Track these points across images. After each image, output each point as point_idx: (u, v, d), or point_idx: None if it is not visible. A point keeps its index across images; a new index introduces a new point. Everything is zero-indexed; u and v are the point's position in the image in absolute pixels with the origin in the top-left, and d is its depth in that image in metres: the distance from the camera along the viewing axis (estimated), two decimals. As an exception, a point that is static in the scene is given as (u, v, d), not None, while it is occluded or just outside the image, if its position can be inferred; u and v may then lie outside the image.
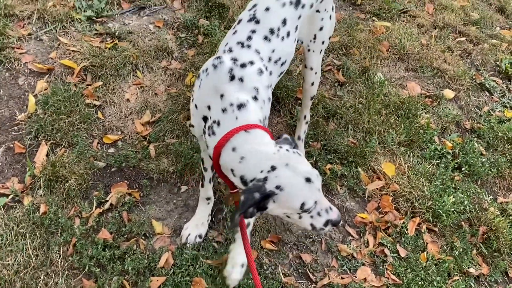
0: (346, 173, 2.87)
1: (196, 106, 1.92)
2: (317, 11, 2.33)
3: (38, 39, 3.15)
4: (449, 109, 3.46)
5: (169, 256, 2.33)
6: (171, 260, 2.32)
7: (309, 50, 2.53)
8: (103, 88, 2.96)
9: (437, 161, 3.07)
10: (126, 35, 3.27)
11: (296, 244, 2.59)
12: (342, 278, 2.49)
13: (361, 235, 2.70)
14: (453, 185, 2.95)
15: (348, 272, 2.53)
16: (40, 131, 2.64)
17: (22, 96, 2.84)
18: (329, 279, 2.47)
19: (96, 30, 3.26)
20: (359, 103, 3.26)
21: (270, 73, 2.01)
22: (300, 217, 1.77)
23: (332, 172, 2.86)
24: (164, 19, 3.50)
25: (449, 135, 3.30)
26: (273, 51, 2.01)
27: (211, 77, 1.85)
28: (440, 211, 2.79)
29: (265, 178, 1.65)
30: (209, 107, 1.83)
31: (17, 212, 2.33)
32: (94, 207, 2.44)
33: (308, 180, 1.69)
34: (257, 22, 2.02)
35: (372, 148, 2.98)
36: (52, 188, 2.44)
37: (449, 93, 3.57)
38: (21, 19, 3.21)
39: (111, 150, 2.72)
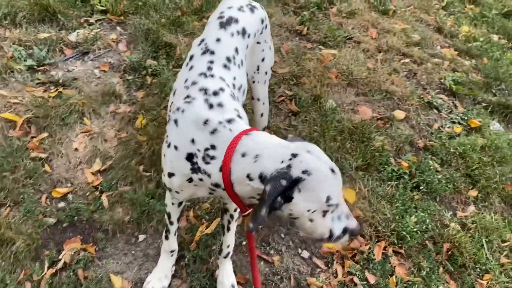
0: (308, 204, 2.84)
1: (176, 148, 1.76)
2: (258, 42, 2.37)
3: (-25, 94, 3.00)
4: (401, 129, 3.54)
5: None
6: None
7: (254, 82, 2.54)
8: (49, 139, 2.83)
9: (396, 182, 3.10)
10: (71, 82, 3.17)
11: (264, 283, 2.51)
12: (314, 314, 2.42)
13: (329, 265, 2.65)
14: (414, 205, 2.98)
15: (320, 306, 2.47)
16: (-19, 192, 2.47)
17: (-40, 155, 2.66)
18: (301, 317, 2.39)
19: (38, 79, 3.14)
20: (314, 132, 3.27)
21: (238, 100, 1.96)
22: (323, 216, 1.59)
23: (294, 204, 2.82)
24: (110, 62, 3.43)
25: (404, 155, 3.35)
26: (234, 78, 1.98)
27: (188, 113, 1.75)
28: (403, 232, 2.79)
29: (289, 166, 1.52)
30: (193, 141, 1.71)
31: (-41, 284, 2.13)
32: (46, 268, 2.28)
33: (332, 171, 1.58)
34: (212, 53, 2.00)
35: (331, 176, 2.98)
36: (-3, 253, 2.27)
37: (399, 114, 3.65)
38: (-45, 74, 3.05)
39: (61, 204, 2.57)
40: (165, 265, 2.33)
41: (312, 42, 4.21)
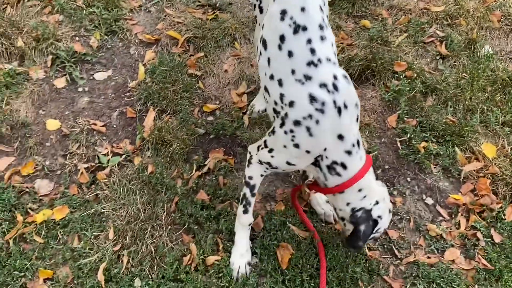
0: (441, 152, 2.78)
1: (308, 152, 1.90)
2: None
3: (147, 11, 3.39)
4: None
5: (259, 220, 2.48)
6: (261, 224, 2.47)
7: None
8: (204, 59, 3.13)
9: (546, 145, 2.84)
10: (226, 6, 3.39)
11: (383, 220, 2.60)
12: (428, 257, 2.47)
13: (453, 216, 2.63)
14: None
15: (436, 252, 2.50)
16: (149, 98, 2.89)
17: (133, 64, 3.11)
18: (415, 257, 2.46)
19: (199, 1, 3.42)
20: (461, 79, 3.08)
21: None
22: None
23: (427, 151, 2.78)
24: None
25: None
26: (332, 44, 1.88)
27: (323, 124, 1.80)
28: (544, 197, 2.61)
29: (370, 210, 2.01)
30: (325, 149, 1.89)
31: (129, 171, 2.62)
32: (194, 170, 2.66)
33: (390, 211, 2.12)
34: (305, 29, 1.80)
35: (473, 128, 2.83)
36: (158, 151, 2.70)
37: None
38: (133, -9, 3.47)
39: (210, 118, 2.90)
40: (243, 240, 2.33)
41: (478, -23, 3.80)
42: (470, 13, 3.46)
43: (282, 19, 1.82)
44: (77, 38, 3.18)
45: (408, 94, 2.97)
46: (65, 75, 3.02)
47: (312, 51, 1.79)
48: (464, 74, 3.10)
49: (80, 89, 2.98)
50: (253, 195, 2.21)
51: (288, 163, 1.99)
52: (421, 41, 3.31)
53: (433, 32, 3.38)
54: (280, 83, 1.86)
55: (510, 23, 3.46)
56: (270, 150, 2.02)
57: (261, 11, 2.17)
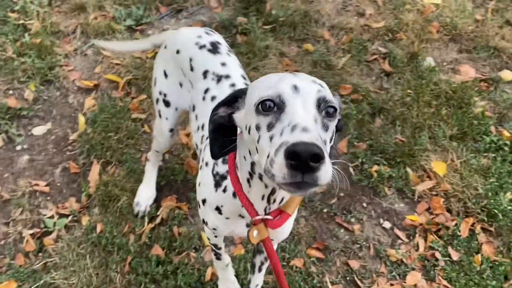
0: (394, 175, 2.80)
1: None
2: None
3: (83, 54, 3.27)
4: (508, 93, 3.23)
5: (215, 270, 2.42)
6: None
7: None
8: (148, 100, 3.04)
9: (493, 154, 2.90)
10: (166, 42, 3.30)
11: (343, 251, 2.59)
12: (391, 284, 2.47)
13: (411, 238, 2.65)
14: (511, 181, 2.79)
15: (398, 278, 2.51)
16: (91, 150, 2.78)
17: (73, 114, 2.98)
18: (378, 286, 2.46)
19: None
20: (407, 96, 3.11)
21: None
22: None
23: (379, 174, 2.79)
24: (202, 20, 3.49)
25: (508, 123, 3.08)
26: None
27: None
28: (495, 210, 2.65)
29: None
30: None
31: (77, 232, 2.50)
32: (146, 223, 2.57)
33: None
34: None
35: (422, 146, 2.86)
36: (106, 207, 2.59)
37: (507, 75, 3.31)
38: (66, 35, 3.33)
39: (159, 164, 2.81)
40: (228, 277, 2.28)
41: (413, -11, 3.86)
42: (409, 26, 3.51)
43: None
44: (10, 92, 3.02)
45: (356, 117, 2.97)
46: (0, 133, 2.86)
47: None
48: (409, 90, 3.14)
49: (18, 147, 2.83)
50: (216, 248, 2.03)
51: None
52: (365, 60, 3.33)
53: (375, 49, 3.41)
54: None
55: (448, 33, 3.53)
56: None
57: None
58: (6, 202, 2.62)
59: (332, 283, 2.47)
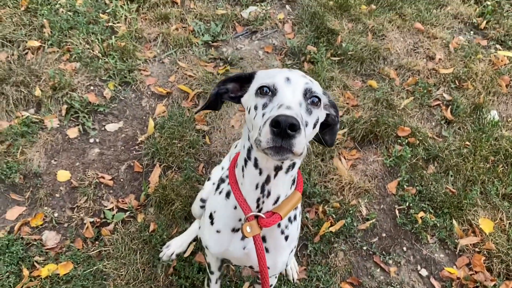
0: (438, 224, 2.82)
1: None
2: None
3: (160, 62, 3.51)
4: None
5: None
6: (256, 290, 2.54)
7: None
8: (212, 114, 3.23)
9: (546, 221, 2.85)
10: (237, 61, 3.48)
11: (377, 290, 2.65)
12: (419, 333, 2.51)
13: (446, 290, 2.66)
14: (561, 252, 2.73)
15: (427, 328, 2.54)
16: (156, 153, 3.00)
17: (144, 117, 3.23)
18: (405, 332, 2.50)
19: (211, 54, 3.52)
20: (464, 147, 3.11)
21: None
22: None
23: (424, 221, 2.82)
24: (274, 44, 3.64)
25: None
26: None
27: None
28: (539, 278, 2.62)
29: None
30: None
31: (132, 228, 2.72)
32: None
33: None
34: None
35: (472, 200, 2.86)
36: (161, 209, 2.79)
37: None
38: (148, 41, 3.59)
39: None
40: None
41: (488, 39, 3.82)
42: (478, 76, 3.48)
43: None
44: (91, 88, 3.32)
45: (409, 161, 3.01)
46: (78, 125, 3.15)
47: None
48: (467, 142, 3.13)
49: (91, 140, 3.11)
50: (211, 272, 2.15)
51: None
52: (427, 104, 3.35)
53: (439, 95, 3.42)
54: None
55: (518, 89, 3.48)
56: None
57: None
58: (74, 189, 2.89)
59: (362, 322, 2.53)
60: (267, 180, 1.43)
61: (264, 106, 1.32)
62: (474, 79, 3.48)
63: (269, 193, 1.46)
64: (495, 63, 3.60)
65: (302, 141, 1.18)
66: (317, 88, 1.37)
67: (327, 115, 1.49)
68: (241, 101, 1.51)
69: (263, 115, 1.30)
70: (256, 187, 1.45)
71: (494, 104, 3.38)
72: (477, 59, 3.59)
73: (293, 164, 1.43)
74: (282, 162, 1.39)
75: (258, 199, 1.47)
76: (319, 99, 1.35)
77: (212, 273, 2.16)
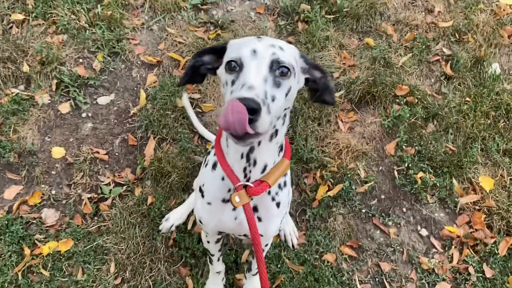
0: (438, 184, 2.79)
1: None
2: None
3: (149, 29, 3.40)
4: None
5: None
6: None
7: None
8: (205, 81, 3.15)
9: (548, 175, 2.81)
10: (228, 24, 3.36)
11: (377, 252, 2.66)
12: (419, 291, 2.54)
13: (446, 249, 2.67)
14: (562, 206, 2.71)
15: (427, 286, 2.56)
16: (149, 125, 2.95)
17: (135, 88, 3.16)
18: (405, 291, 2.53)
19: (201, 18, 3.40)
20: (464, 104, 3.03)
21: None
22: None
23: (424, 182, 2.79)
24: (266, 4, 3.50)
25: None
26: None
27: None
28: (540, 233, 2.62)
29: None
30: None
31: (130, 202, 2.72)
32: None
33: None
34: None
35: (472, 158, 2.82)
36: (158, 182, 2.78)
37: None
38: (135, 8, 3.46)
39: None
40: (216, 283, 2.38)
41: (490, -13, 3.65)
42: (479, 28, 3.35)
43: None
44: (80, 60, 3.23)
45: (408, 121, 2.95)
46: (69, 100, 3.09)
47: None
48: (467, 98, 3.05)
49: (84, 115, 3.06)
50: (212, 255, 2.17)
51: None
52: (426, 60, 3.25)
53: (439, 49, 3.31)
54: None
55: (521, 39, 3.35)
56: None
57: None
58: (70, 165, 2.87)
59: (361, 282, 2.56)
60: (251, 148, 1.41)
61: (233, 83, 1.28)
62: (475, 31, 3.34)
63: (255, 162, 1.44)
64: (497, 13, 3.44)
65: (265, 120, 1.15)
66: (286, 57, 1.29)
67: (307, 79, 1.43)
68: (217, 73, 1.45)
69: (231, 92, 1.25)
70: (242, 157, 1.42)
71: (496, 57, 3.27)
72: (478, 9, 3.44)
73: (276, 131, 1.40)
74: None
75: (245, 169, 1.45)
76: (288, 69, 1.28)
77: (212, 255, 2.18)
